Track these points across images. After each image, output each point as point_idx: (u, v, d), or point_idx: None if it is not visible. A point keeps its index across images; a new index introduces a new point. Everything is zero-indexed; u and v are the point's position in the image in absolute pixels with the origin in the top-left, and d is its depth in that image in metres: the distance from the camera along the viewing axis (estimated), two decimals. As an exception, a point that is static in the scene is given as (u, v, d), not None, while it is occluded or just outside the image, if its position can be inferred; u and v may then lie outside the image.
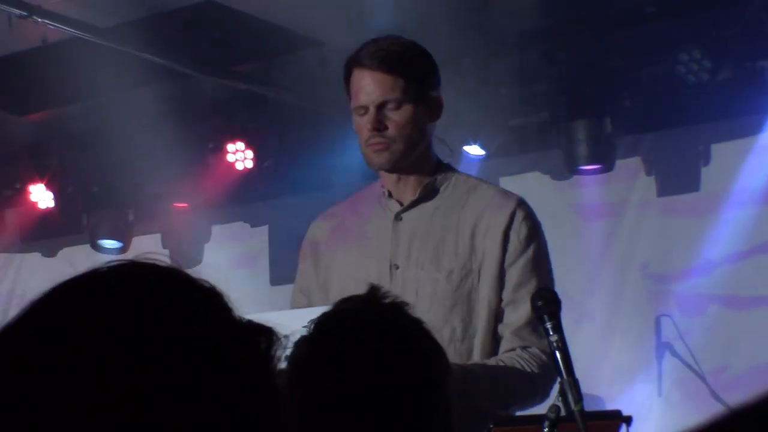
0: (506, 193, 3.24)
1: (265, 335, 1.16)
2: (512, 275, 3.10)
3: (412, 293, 3.03)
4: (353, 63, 3.16)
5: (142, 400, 1.07)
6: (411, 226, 3.18)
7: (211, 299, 1.16)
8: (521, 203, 3.18)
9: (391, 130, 3.11)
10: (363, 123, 3.14)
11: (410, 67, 3.14)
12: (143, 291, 1.13)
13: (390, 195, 3.22)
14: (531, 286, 3.06)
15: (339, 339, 2.05)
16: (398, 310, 2.12)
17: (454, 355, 2.96)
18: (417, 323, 2.11)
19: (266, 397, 1.14)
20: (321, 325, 2.10)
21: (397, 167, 3.17)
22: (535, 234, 3.15)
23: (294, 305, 3.31)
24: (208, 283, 1.17)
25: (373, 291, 2.14)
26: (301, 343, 2.11)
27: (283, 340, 1.17)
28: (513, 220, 3.13)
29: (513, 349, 3.06)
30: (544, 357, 3.02)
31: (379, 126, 3.11)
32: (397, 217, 3.20)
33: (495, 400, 3.02)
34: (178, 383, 1.08)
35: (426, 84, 3.17)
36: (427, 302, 3.04)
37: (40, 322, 1.12)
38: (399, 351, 2.03)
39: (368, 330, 2.05)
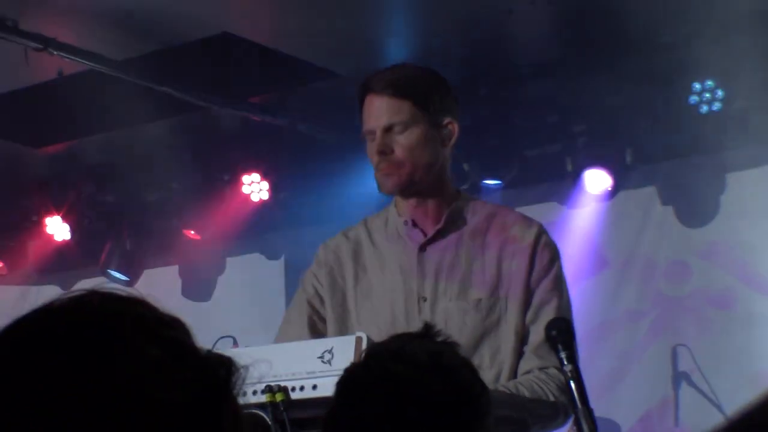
0: (527, 219, 3.24)
1: (224, 365, 1.18)
2: (536, 297, 3.11)
3: (441, 325, 3.02)
4: (364, 90, 3.14)
5: None
6: (436, 257, 3.15)
7: (169, 330, 1.17)
8: (542, 228, 3.19)
9: (398, 154, 3.09)
10: (372, 148, 3.12)
11: (418, 90, 3.11)
12: (95, 325, 1.15)
13: (414, 224, 3.20)
14: (553, 305, 3.08)
15: (394, 370, 2.11)
16: (451, 349, 2.24)
17: None
18: (467, 363, 2.27)
19: (228, 426, 1.16)
20: (374, 354, 2.17)
21: (409, 192, 3.14)
22: (556, 257, 3.16)
23: (296, 303, 3.26)
24: (165, 312, 1.19)
25: (427, 329, 2.27)
26: (354, 370, 2.17)
27: (242, 370, 1.19)
28: (537, 245, 3.14)
29: (531, 371, 3.04)
30: (562, 377, 3.01)
31: (385, 149, 3.09)
32: (422, 249, 3.17)
33: (516, 424, 3.01)
34: (139, 418, 1.09)
35: (437, 108, 3.13)
36: (456, 333, 3.02)
37: None
38: (451, 388, 2.14)
39: (423, 365, 2.15)
